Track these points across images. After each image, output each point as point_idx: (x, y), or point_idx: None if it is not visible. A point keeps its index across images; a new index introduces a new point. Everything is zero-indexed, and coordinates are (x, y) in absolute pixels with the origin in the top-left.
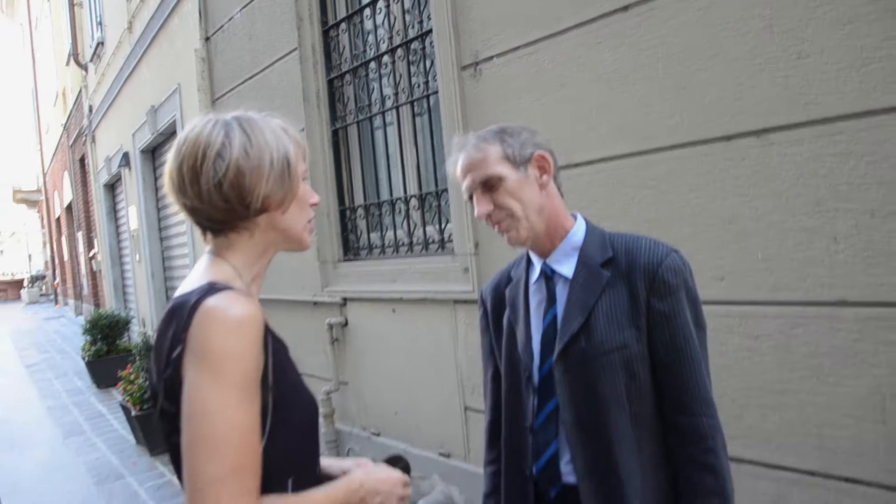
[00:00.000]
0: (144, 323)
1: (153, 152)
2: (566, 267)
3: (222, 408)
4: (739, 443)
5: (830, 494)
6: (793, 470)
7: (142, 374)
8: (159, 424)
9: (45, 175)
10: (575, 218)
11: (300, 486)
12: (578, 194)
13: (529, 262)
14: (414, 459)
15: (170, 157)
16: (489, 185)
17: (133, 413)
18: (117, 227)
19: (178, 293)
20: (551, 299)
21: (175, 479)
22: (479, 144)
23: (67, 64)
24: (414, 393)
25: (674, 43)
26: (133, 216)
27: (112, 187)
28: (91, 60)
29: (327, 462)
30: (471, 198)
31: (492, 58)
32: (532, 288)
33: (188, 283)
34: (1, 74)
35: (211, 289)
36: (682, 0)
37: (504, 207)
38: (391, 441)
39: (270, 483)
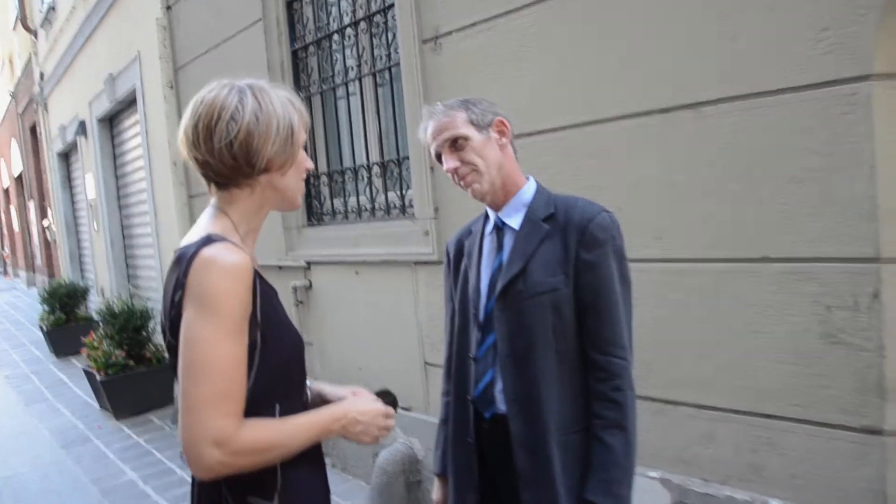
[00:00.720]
0: (103, 292)
1: (111, 121)
2: (514, 220)
3: (213, 340)
4: (675, 388)
5: (753, 429)
6: (722, 409)
7: (105, 340)
8: (170, 360)
9: None
10: (528, 179)
11: (286, 411)
12: (532, 161)
13: (487, 217)
14: None
15: (186, 115)
16: (456, 145)
17: (98, 378)
18: (72, 196)
19: (182, 244)
20: (500, 247)
21: (142, 440)
22: (446, 111)
23: (14, 28)
24: (376, 351)
25: (620, 22)
26: (91, 185)
27: (66, 156)
28: (41, 26)
29: (328, 388)
30: (439, 157)
31: (451, 32)
32: (486, 238)
33: (191, 235)
34: None
35: (208, 240)
36: None
37: (469, 163)
38: None
39: (259, 408)
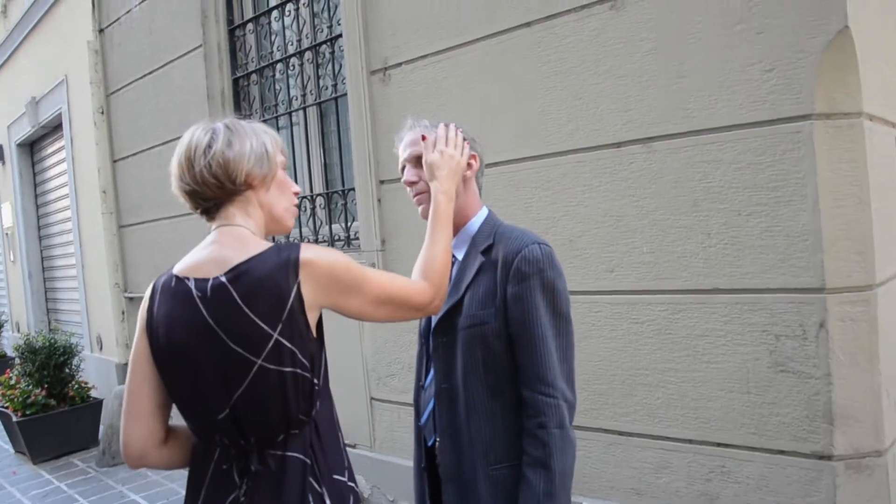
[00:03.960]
0: (18, 326)
1: (32, 146)
2: (459, 251)
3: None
4: (629, 419)
5: (706, 459)
6: (674, 440)
7: (24, 378)
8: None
9: None
10: (481, 209)
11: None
12: (483, 194)
13: None
14: None
15: (173, 158)
16: (419, 161)
17: (14, 419)
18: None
19: (210, 266)
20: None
21: (63, 485)
22: (429, 129)
23: None
24: None
25: (571, 58)
26: (7, 213)
27: None
28: None
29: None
30: (403, 170)
31: (400, 64)
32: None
33: (230, 254)
34: None
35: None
36: (578, 21)
37: (426, 183)
38: None
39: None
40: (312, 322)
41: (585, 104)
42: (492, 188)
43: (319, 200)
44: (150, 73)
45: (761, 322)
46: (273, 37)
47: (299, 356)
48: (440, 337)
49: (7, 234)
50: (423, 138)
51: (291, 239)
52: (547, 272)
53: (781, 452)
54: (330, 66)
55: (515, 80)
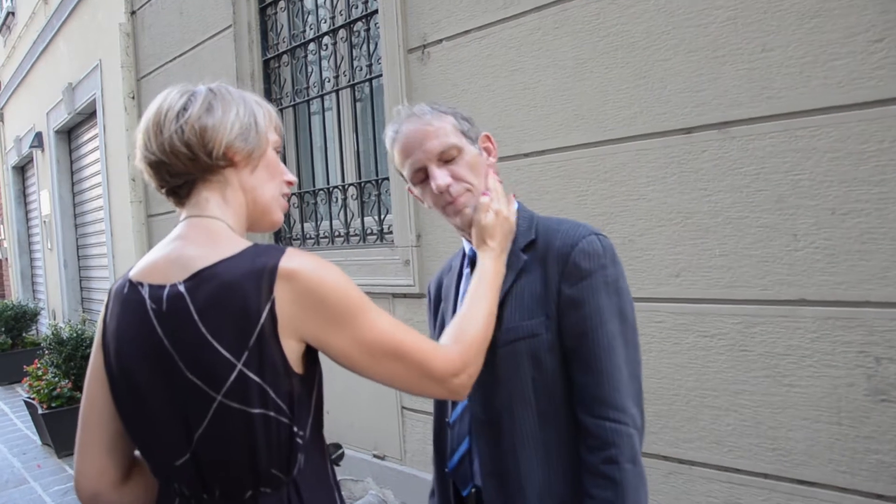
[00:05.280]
0: (55, 315)
1: (70, 133)
2: None
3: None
4: (692, 445)
5: (783, 497)
6: (746, 472)
7: (51, 369)
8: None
9: None
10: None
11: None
12: (529, 185)
13: (464, 251)
14: (347, 461)
15: (139, 125)
16: (447, 157)
17: (40, 411)
18: (27, 212)
19: (169, 268)
20: None
21: None
22: (435, 114)
23: None
24: (348, 392)
25: (634, 31)
26: (45, 201)
27: (22, 170)
28: (0, 33)
29: None
30: (421, 172)
31: (441, 41)
32: (464, 275)
33: (195, 254)
34: None
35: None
36: None
37: (464, 180)
38: None
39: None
40: (292, 353)
41: (650, 84)
42: (539, 178)
43: (351, 191)
44: (180, 55)
45: (858, 341)
46: (306, 15)
47: (272, 395)
48: None
49: (45, 221)
50: (485, 193)
51: (302, 236)
52: (610, 269)
53: (879, 497)
54: (365, 46)
55: (569, 57)
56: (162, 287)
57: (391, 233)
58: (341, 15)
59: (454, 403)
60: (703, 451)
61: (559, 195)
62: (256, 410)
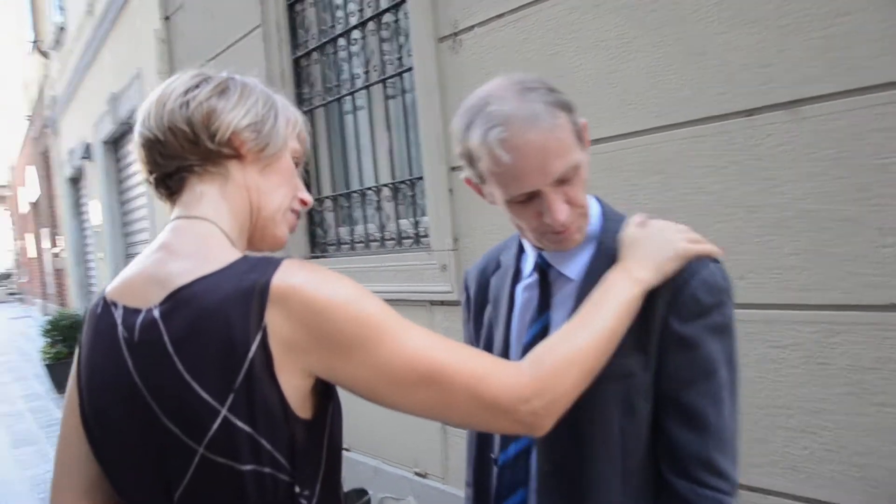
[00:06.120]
0: None
1: (116, 143)
2: (571, 264)
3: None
4: (762, 471)
5: None
6: None
7: None
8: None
9: (13, 170)
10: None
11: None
12: None
13: (522, 249)
14: (387, 478)
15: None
16: (565, 179)
17: None
18: (81, 223)
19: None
20: (544, 303)
21: None
22: (548, 108)
23: (32, 52)
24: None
25: (685, 3)
26: (96, 211)
27: (76, 181)
28: (53, 47)
29: None
30: (527, 197)
31: (473, 27)
32: (522, 282)
33: (178, 268)
34: None
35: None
36: None
37: (578, 205)
38: (362, 457)
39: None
40: (295, 393)
41: (705, 62)
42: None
43: (386, 192)
44: (211, 58)
45: None
46: (334, 9)
47: (266, 447)
48: None
49: (96, 231)
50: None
51: (337, 241)
52: (728, 306)
53: None
54: (395, 39)
55: (613, 37)
56: (137, 312)
57: (427, 236)
58: (370, 6)
59: (504, 441)
60: (776, 478)
61: (607, 190)
62: (247, 467)
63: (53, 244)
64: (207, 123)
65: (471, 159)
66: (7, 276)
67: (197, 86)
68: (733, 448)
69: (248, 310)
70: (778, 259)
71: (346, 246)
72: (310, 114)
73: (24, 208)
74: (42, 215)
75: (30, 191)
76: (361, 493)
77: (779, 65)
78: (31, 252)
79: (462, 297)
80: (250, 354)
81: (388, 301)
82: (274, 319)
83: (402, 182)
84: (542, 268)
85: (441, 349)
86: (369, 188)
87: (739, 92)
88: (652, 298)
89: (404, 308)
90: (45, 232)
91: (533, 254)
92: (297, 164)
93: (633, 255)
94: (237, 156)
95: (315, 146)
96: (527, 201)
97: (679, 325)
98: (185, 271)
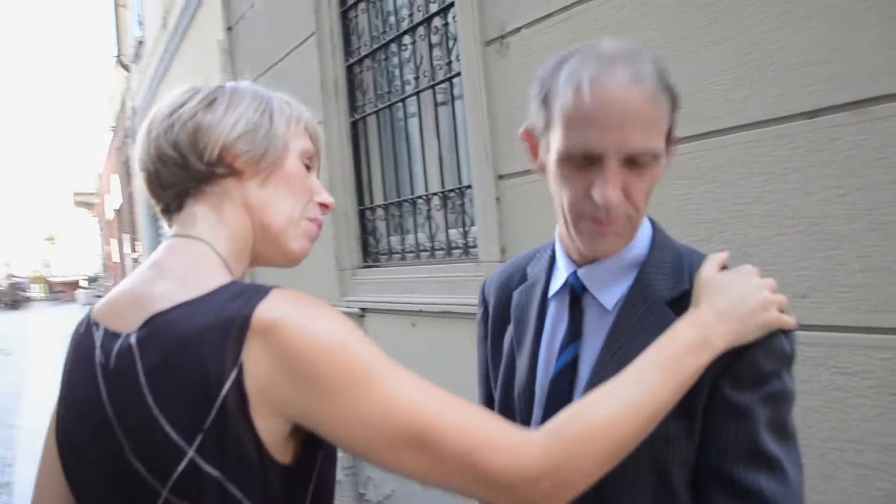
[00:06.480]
0: None
1: None
2: (609, 291)
3: None
4: None
5: None
6: None
7: None
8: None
9: (100, 178)
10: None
11: None
12: None
13: (553, 262)
14: (430, 499)
15: None
16: (636, 162)
17: None
18: (157, 229)
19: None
20: (575, 331)
21: None
22: (657, 80)
23: (115, 66)
24: None
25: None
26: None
27: None
28: (133, 60)
29: None
30: (586, 158)
31: (520, 29)
32: (551, 300)
33: (163, 291)
34: (65, 75)
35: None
36: None
37: (634, 204)
38: None
39: None
40: (272, 436)
41: (760, 60)
42: None
43: (435, 201)
44: (270, 67)
45: None
46: (386, 15)
47: (236, 495)
48: None
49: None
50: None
51: (389, 251)
52: (787, 375)
53: None
54: (444, 44)
55: (660, 36)
56: (116, 336)
57: (475, 246)
58: (419, 11)
59: None
60: None
61: (656, 200)
62: None
63: (133, 249)
64: (194, 143)
65: (546, 99)
66: (95, 279)
67: (183, 104)
68: None
69: (225, 343)
70: (845, 276)
71: (398, 255)
72: (363, 121)
73: (110, 215)
74: (124, 222)
75: (114, 198)
76: None
77: (842, 60)
78: (116, 257)
79: (479, 311)
80: (223, 392)
81: (436, 313)
82: (252, 355)
83: (451, 190)
84: (574, 287)
85: (437, 407)
86: (419, 197)
87: (799, 92)
88: None
89: (452, 321)
90: (126, 238)
91: (567, 270)
92: (309, 167)
93: (714, 312)
94: (233, 172)
95: (368, 154)
96: (582, 165)
97: (731, 391)
98: (166, 295)
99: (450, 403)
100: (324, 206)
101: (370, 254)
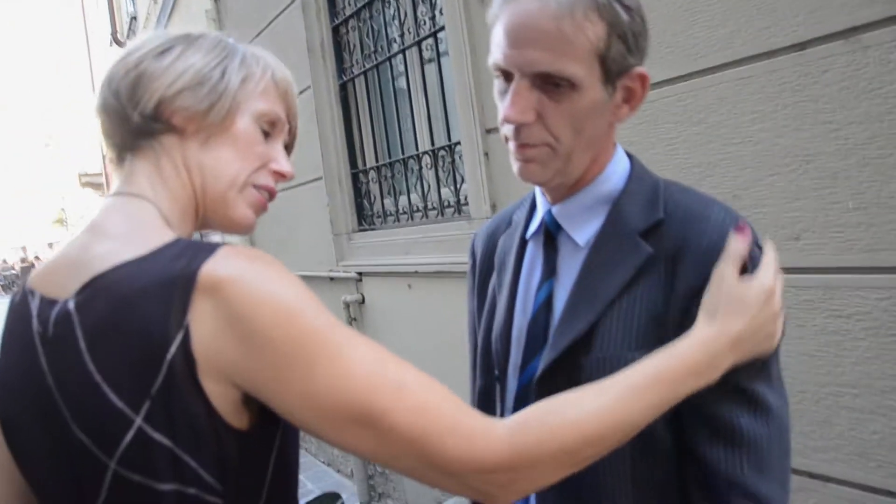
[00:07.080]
0: None
1: None
2: (581, 227)
3: None
4: (825, 456)
5: None
6: None
7: None
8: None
9: (104, 158)
10: (615, 149)
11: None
12: None
13: (534, 205)
14: None
15: None
16: (548, 82)
17: None
18: None
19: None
20: (549, 270)
21: None
22: (581, 12)
23: (111, 45)
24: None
25: None
26: None
27: None
28: (127, 37)
29: None
30: (501, 73)
31: None
32: (529, 241)
33: (104, 251)
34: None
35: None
36: None
37: (550, 132)
38: None
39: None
40: (223, 400)
41: None
42: (619, 128)
43: (426, 160)
44: (258, 34)
45: None
46: None
47: (191, 464)
48: (548, 393)
49: None
50: (741, 229)
51: (383, 213)
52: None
53: None
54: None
55: None
56: (53, 303)
57: (467, 204)
58: None
59: None
60: (841, 465)
61: (644, 145)
62: (167, 486)
63: None
64: (132, 93)
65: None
66: None
67: (136, 50)
68: (780, 467)
69: (170, 303)
70: (839, 215)
71: (392, 217)
72: (352, 83)
73: None
74: None
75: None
76: (334, 496)
77: None
78: None
79: (468, 263)
80: (169, 356)
81: (431, 273)
82: (198, 316)
83: (441, 148)
84: (548, 225)
85: (392, 386)
86: (411, 156)
87: (787, 23)
88: (677, 279)
89: (447, 280)
90: None
91: (543, 205)
92: (268, 132)
93: (729, 339)
94: (171, 128)
95: (359, 116)
96: (504, 85)
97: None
98: (106, 256)
99: (409, 382)
100: (280, 174)
101: (365, 217)
